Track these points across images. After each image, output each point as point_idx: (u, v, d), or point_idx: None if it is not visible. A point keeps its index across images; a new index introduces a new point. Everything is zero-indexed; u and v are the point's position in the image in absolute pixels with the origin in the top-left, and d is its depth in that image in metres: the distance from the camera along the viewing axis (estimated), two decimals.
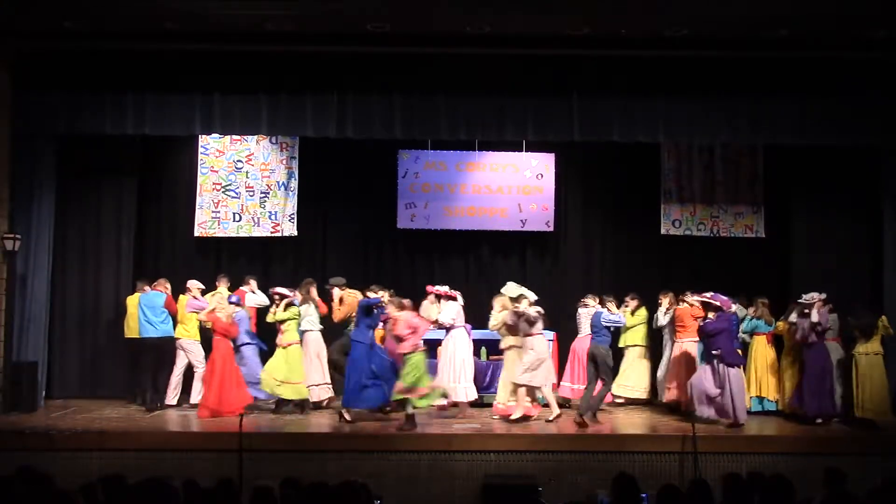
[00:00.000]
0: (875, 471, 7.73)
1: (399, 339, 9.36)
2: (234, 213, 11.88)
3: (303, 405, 10.09)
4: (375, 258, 12.30)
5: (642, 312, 10.90)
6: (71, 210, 11.50)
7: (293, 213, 11.95)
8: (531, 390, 9.69)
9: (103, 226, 11.62)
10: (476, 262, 12.30)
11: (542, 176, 12.10)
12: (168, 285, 10.78)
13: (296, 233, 11.97)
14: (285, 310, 10.08)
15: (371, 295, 10.10)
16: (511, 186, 12.09)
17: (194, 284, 10.75)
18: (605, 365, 9.65)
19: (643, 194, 12.11)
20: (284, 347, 10.00)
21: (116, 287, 11.45)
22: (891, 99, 10.29)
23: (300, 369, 10.03)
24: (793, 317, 9.91)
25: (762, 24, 9.70)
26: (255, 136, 11.74)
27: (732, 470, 6.53)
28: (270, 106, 10.38)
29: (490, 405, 10.26)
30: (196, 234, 11.86)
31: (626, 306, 10.82)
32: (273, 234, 11.96)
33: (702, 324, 9.74)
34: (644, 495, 5.66)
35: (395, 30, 9.96)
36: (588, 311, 10.40)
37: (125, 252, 11.64)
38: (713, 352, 9.47)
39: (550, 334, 11.06)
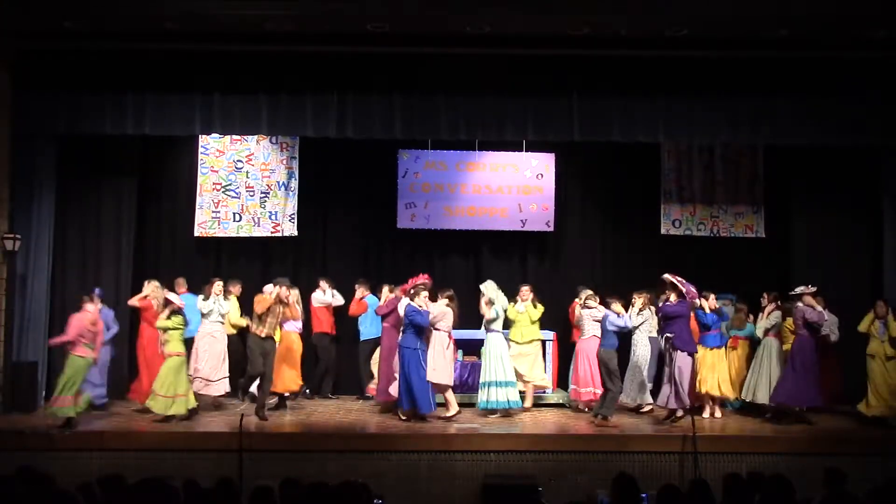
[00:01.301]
0: (875, 471, 7.74)
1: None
2: (234, 213, 11.88)
3: (190, 413, 9.70)
4: (375, 258, 12.29)
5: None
6: (71, 210, 11.50)
7: (293, 213, 11.95)
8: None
9: (103, 226, 11.60)
10: (476, 262, 12.29)
11: (542, 176, 12.09)
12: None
13: (296, 233, 11.97)
14: (169, 317, 9.71)
15: (389, 294, 10.22)
16: (511, 186, 12.09)
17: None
18: (606, 368, 9.66)
19: (643, 194, 12.11)
20: (165, 358, 9.69)
21: (116, 287, 11.42)
22: (891, 99, 10.30)
23: (183, 380, 9.64)
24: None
25: (762, 24, 9.71)
26: (255, 136, 11.74)
27: (732, 470, 6.53)
28: (270, 106, 10.38)
29: (472, 405, 10.32)
30: (196, 234, 11.85)
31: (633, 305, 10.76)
32: (273, 234, 11.95)
33: (661, 304, 9.81)
34: (644, 495, 5.66)
35: (395, 30, 9.97)
36: (590, 312, 10.37)
37: (125, 252, 11.63)
38: (667, 334, 9.51)
39: (550, 334, 11.10)
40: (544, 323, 11.54)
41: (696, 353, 9.85)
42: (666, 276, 9.90)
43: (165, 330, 9.71)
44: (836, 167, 11.55)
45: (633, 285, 10.88)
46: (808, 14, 9.40)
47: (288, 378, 10.61)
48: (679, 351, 9.51)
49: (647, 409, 10.41)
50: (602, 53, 10.35)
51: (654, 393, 10.43)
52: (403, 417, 9.81)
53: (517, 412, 10.19)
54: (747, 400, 10.33)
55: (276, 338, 10.07)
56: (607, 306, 9.97)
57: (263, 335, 9.85)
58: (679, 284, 9.65)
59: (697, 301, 10.01)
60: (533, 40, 10.20)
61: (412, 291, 9.97)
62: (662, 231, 12.09)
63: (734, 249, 12.05)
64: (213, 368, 10.31)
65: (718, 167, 12.09)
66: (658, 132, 10.54)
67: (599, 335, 9.96)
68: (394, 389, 10.09)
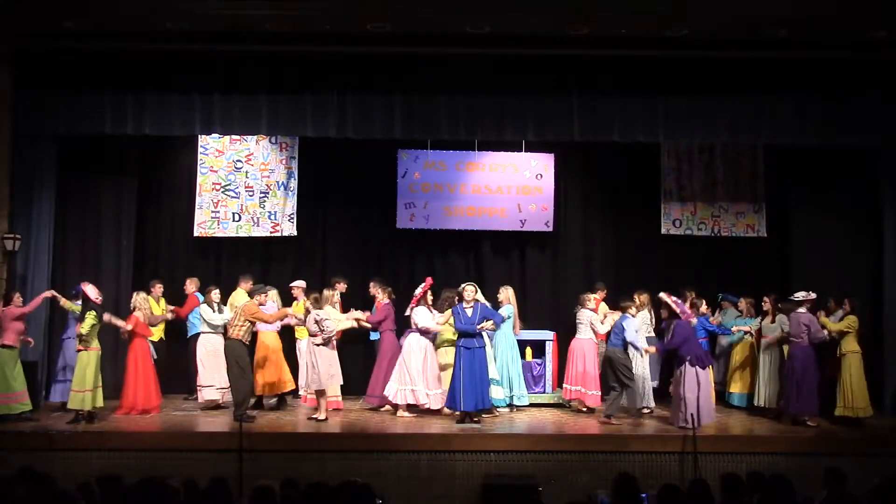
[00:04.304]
0: (875, 471, 7.72)
1: None
2: (233, 213, 11.87)
3: (84, 415, 9.50)
4: (375, 258, 12.27)
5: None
6: (71, 210, 11.49)
7: (293, 213, 11.94)
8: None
9: (103, 226, 11.60)
10: (476, 262, 12.28)
11: (541, 176, 12.09)
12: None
13: (295, 233, 11.97)
14: (84, 318, 9.64)
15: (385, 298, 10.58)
16: (510, 186, 12.08)
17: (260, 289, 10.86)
18: (625, 367, 9.67)
19: (643, 194, 12.09)
20: (77, 351, 9.67)
21: (116, 287, 11.41)
22: (891, 99, 10.30)
23: (88, 377, 9.50)
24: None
25: (762, 24, 9.71)
26: (255, 136, 11.74)
27: (732, 470, 6.52)
28: (270, 106, 10.39)
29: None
30: (196, 234, 11.85)
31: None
32: (273, 234, 11.95)
33: (666, 342, 9.73)
34: (644, 495, 5.66)
35: (395, 30, 9.97)
36: (589, 315, 10.39)
37: (125, 252, 11.63)
38: (682, 356, 9.43)
39: (550, 334, 11.09)
40: (544, 323, 11.56)
41: (714, 363, 9.88)
42: (661, 295, 9.87)
43: (87, 332, 9.56)
44: (836, 167, 11.53)
45: (633, 285, 10.88)
46: (807, 14, 9.39)
47: (280, 378, 10.60)
48: (701, 369, 9.40)
49: (647, 411, 10.38)
50: (602, 53, 10.35)
51: (658, 394, 10.51)
52: (476, 419, 9.64)
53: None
54: (756, 404, 10.35)
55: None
56: (623, 311, 9.95)
57: (247, 341, 9.82)
58: (673, 305, 9.58)
59: (694, 320, 9.94)
60: (533, 40, 10.20)
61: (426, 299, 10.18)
62: (663, 231, 12.07)
63: (734, 249, 12.04)
64: (201, 374, 10.49)
65: (719, 166, 12.08)
66: (658, 132, 10.55)
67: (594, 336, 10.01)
68: (391, 392, 10.11)
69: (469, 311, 9.71)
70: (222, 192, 11.87)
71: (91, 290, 9.76)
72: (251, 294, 10.12)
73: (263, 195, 11.92)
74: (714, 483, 5.72)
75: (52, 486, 5.53)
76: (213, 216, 11.84)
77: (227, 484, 5.60)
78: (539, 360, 10.95)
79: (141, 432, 9.27)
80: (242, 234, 11.90)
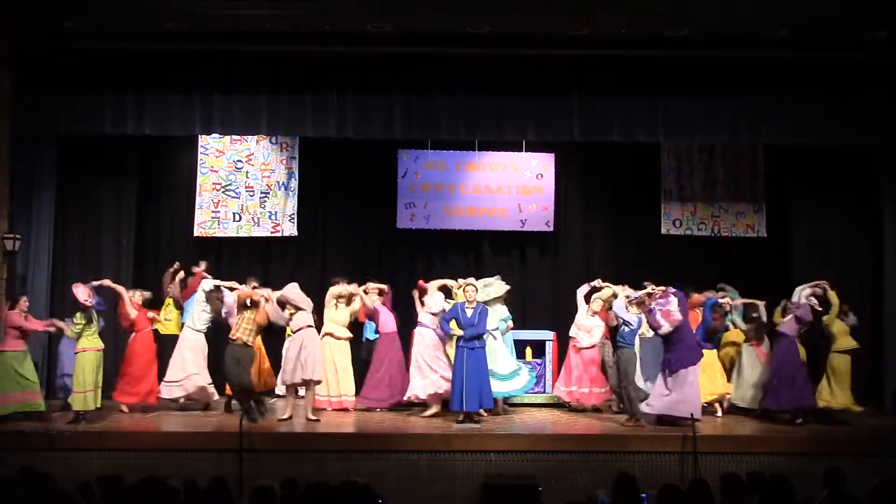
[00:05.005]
0: (875, 471, 7.73)
1: None
2: (233, 213, 11.88)
3: (84, 416, 9.40)
4: (375, 258, 12.27)
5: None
6: (71, 210, 11.50)
7: (293, 213, 11.95)
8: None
9: (103, 226, 11.60)
10: (476, 262, 12.28)
11: (541, 176, 12.09)
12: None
13: (296, 233, 11.97)
14: (73, 319, 9.64)
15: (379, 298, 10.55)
16: (511, 186, 12.08)
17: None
18: (622, 369, 9.64)
19: (643, 194, 12.10)
20: (75, 353, 9.63)
21: None
22: (891, 99, 10.30)
23: (87, 378, 9.43)
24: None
25: (762, 24, 9.71)
26: (255, 136, 11.74)
27: (732, 470, 6.53)
28: (270, 106, 10.39)
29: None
30: (196, 234, 11.85)
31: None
32: (273, 234, 11.95)
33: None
34: (644, 495, 5.67)
35: (395, 30, 9.98)
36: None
37: (125, 252, 11.63)
38: (668, 357, 9.42)
39: (550, 334, 11.09)
40: (544, 323, 11.56)
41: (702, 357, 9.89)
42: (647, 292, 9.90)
43: (72, 336, 9.58)
44: (836, 167, 11.53)
45: (633, 285, 10.86)
46: (807, 14, 9.40)
47: (263, 377, 10.60)
48: (691, 366, 9.39)
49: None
50: (602, 53, 10.35)
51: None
52: (477, 420, 9.59)
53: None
54: (733, 399, 10.33)
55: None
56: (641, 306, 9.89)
57: (251, 343, 9.63)
58: (648, 315, 9.51)
59: (668, 326, 9.73)
60: (533, 40, 10.20)
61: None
62: (663, 231, 12.07)
63: (734, 249, 12.04)
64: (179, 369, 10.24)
65: (719, 166, 12.08)
66: (658, 132, 10.56)
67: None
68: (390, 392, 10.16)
69: (469, 312, 9.70)
70: (223, 192, 11.87)
71: (81, 293, 9.65)
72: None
73: (264, 195, 11.92)
74: (714, 483, 5.72)
75: (52, 486, 5.53)
76: (213, 216, 11.84)
77: (227, 484, 5.60)
78: (539, 360, 10.94)
79: (141, 432, 9.26)
80: (243, 234, 11.90)
